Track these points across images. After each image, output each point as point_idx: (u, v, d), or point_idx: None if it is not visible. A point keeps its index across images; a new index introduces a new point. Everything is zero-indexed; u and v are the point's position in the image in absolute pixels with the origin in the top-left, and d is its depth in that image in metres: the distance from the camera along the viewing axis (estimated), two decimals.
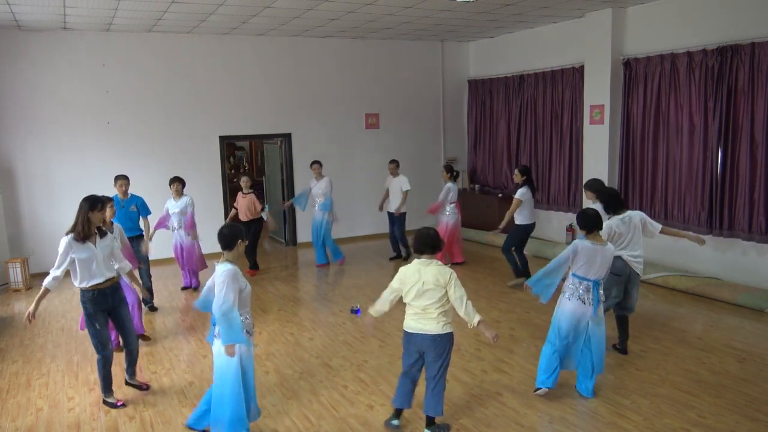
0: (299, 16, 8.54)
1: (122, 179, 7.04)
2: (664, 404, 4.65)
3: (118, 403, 4.89)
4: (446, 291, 4.08)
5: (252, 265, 9.17)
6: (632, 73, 8.52)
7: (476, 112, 11.95)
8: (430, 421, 4.31)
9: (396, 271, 4.30)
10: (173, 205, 7.92)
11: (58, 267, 4.60)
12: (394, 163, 9.52)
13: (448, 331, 4.15)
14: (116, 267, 4.94)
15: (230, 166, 14.14)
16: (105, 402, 4.93)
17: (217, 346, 4.12)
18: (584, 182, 6.60)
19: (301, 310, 7.35)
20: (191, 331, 6.66)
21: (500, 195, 11.17)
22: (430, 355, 4.18)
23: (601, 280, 4.70)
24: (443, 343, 4.15)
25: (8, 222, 8.93)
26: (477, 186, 11.90)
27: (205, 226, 8.83)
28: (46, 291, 4.63)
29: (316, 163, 9.21)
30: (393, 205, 9.43)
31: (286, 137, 10.78)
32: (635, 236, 5.43)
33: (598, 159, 9.01)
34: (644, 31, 8.39)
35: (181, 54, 9.77)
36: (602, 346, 4.78)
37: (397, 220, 9.45)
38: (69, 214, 5.88)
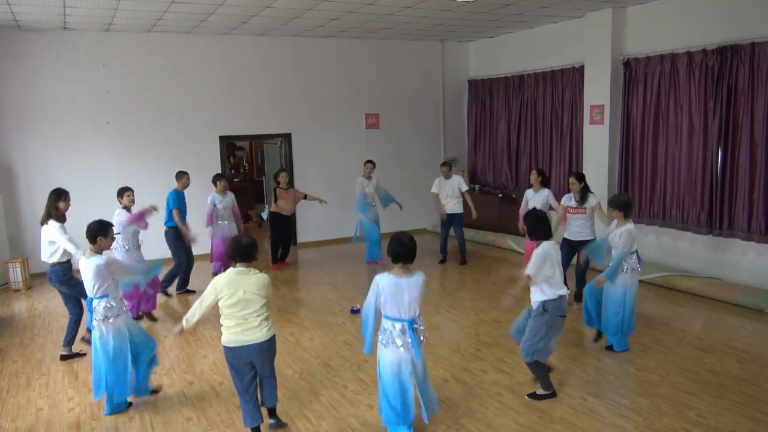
0: (299, 16, 8.54)
1: (186, 175, 7.97)
2: (664, 404, 4.65)
3: (81, 351, 5.95)
4: (267, 298, 4.09)
5: (275, 259, 9.54)
6: (632, 73, 8.52)
7: (476, 112, 11.95)
8: (272, 412, 4.44)
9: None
10: (221, 201, 8.44)
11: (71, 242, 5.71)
12: (447, 165, 9.26)
13: (272, 334, 4.16)
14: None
15: (230, 166, 14.13)
16: (66, 356, 5.89)
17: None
18: (609, 199, 5.72)
19: (301, 310, 7.35)
20: (191, 331, 6.66)
21: (500, 195, 11.18)
22: (259, 362, 4.16)
23: (415, 318, 4.03)
24: (270, 347, 4.15)
25: (8, 222, 8.93)
26: (477, 186, 11.90)
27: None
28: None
29: (370, 163, 9.33)
30: (451, 206, 9.18)
31: (286, 137, 10.78)
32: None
33: (598, 159, 9.01)
34: (644, 31, 8.39)
35: (181, 54, 9.77)
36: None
37: (458, 221, 9.23)
38: (69, 214, 5.95)
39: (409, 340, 3.99)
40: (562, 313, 4.64)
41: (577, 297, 6.85)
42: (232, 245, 4.10)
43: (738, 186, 7.35)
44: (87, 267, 4.69)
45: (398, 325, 4.00)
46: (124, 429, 4.54)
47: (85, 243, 4.87)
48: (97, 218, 4.91)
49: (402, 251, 3.97)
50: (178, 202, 7.77)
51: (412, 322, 4.00)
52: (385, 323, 4.06)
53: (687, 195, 7.93)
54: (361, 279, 8.68)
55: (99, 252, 4.77)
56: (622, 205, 5.50)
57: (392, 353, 4.04)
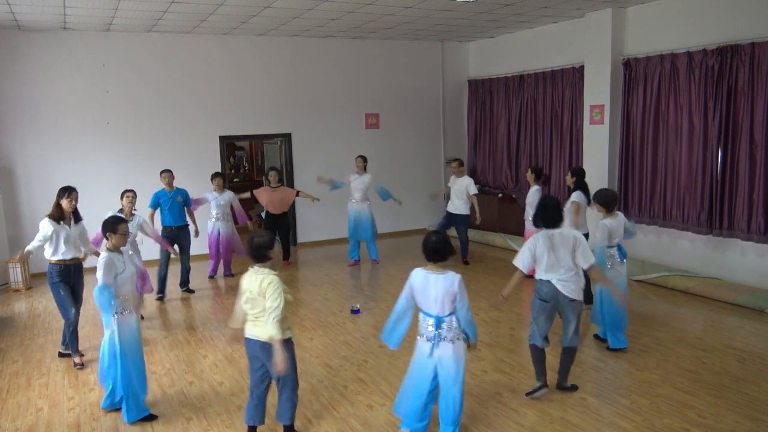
0: (299, 16, 8.54)
1: (167, 173, 7.80)
2: (664, 404, 4.65)
3: (78, 364, 5.69)
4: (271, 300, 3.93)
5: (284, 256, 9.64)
6: (632, 73, 8.52)
7: (476, 112, 11.95)
8: (286, 429, 4.27)
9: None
10: (215, 198, 8.57)
11: (36, 241, 5.54)
12: (458, 161, 9.28)
13: (285, 337, 3.99)
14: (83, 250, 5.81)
15: (230, 166, 14.13)
16: (63, 354, 5.89)
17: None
18: (594, 194, 5.86)
19: (301, 310, 7.35)
20: (191, 331, 6.66)
21: (500, 195, 11.18)
22: (267, 362, 4.07)
23: (444, 315, 4.02)
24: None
25: (8, 222, 8.93)
26: (477, 186, 11.86)
27: (208, 225, 8.87)
28: (29, 252, 5.60)
29: (360, 158, 9.25)
30: (456, 206, 9.16)
31: (286, 137, 10.78)
32: (563, 256, 4.62)
33: (598, 159, 9.01)
34: (644, 31, 8.39)
35: (181, 54, 9.77)
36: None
37: (461, 222, 9.21)
38: None
39: (433, 335, 4.05)
40: (541, 296, 4.70)
41: (586, 298, 6.44)
42: (246, 245, 4.12)
43: (738, 186, 7.34)
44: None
45: (429, 320, 4.08)
46: (124, 429, 4.53)
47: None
48: (106, 217, 4.79)
49: (427, 250, 4.05)
50: (153, 202, 7.73)
51: (439, 320, 4.02)
52: (420, 316, 4.16)
53: (687, 195, 7.93)
54: (361, 279, 8.68)
55: (111, 249, 4.61)
56: (603, 199, 5.64)
57: (420, 345, 4.14)
